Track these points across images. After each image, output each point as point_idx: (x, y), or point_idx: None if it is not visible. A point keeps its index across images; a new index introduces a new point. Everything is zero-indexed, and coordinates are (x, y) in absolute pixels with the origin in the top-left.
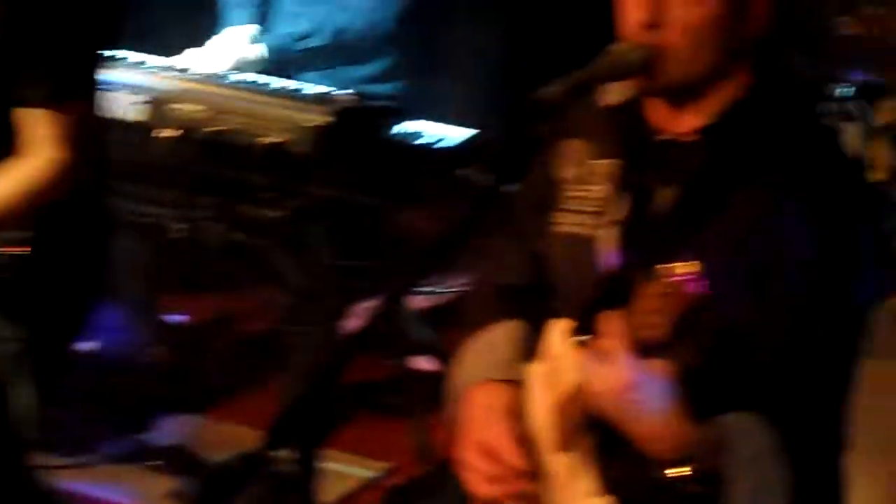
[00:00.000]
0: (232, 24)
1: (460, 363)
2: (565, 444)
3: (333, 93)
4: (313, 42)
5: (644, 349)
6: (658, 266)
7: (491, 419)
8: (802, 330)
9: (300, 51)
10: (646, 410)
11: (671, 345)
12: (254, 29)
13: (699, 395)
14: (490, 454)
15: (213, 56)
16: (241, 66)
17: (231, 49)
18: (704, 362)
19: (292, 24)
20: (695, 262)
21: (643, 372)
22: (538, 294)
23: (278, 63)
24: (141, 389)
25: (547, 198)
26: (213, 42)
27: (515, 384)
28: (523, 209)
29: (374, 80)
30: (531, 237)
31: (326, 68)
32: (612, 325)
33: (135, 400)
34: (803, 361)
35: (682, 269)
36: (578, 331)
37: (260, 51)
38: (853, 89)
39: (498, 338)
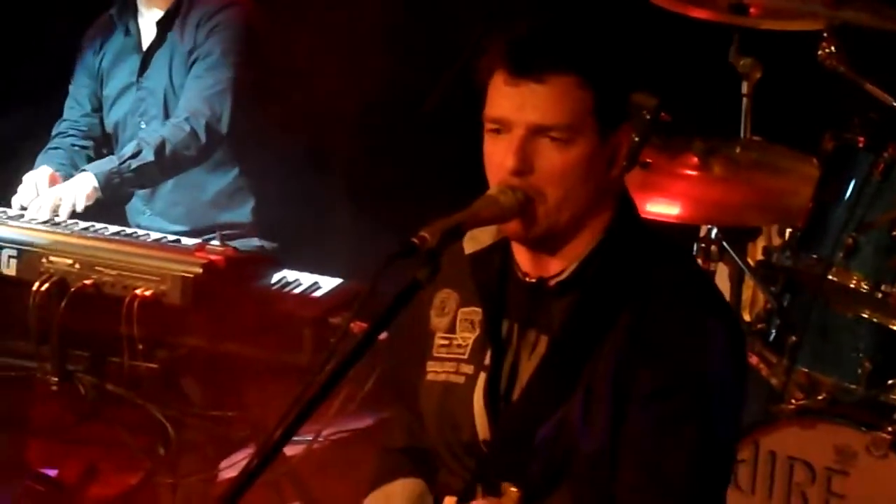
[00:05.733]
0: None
1: None
2: None
3: (207, 244)
4: (142, 158)
5: None
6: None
7: None
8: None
9: (131, 170)
10: None
11: None
12: (50, 171)
13: None
14: None
15: (47, 202)
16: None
17: (66, 193)
18: None
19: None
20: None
21: None
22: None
23: (112, 190)
24: None
25: (422, 348)
26: (27, 187)
27: None
28: (400, 365)
29: (222, 195)
30: (409, 395)
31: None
32: None
33: None
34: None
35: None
36: None
37: (91, 183)
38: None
39: (394, 491)
